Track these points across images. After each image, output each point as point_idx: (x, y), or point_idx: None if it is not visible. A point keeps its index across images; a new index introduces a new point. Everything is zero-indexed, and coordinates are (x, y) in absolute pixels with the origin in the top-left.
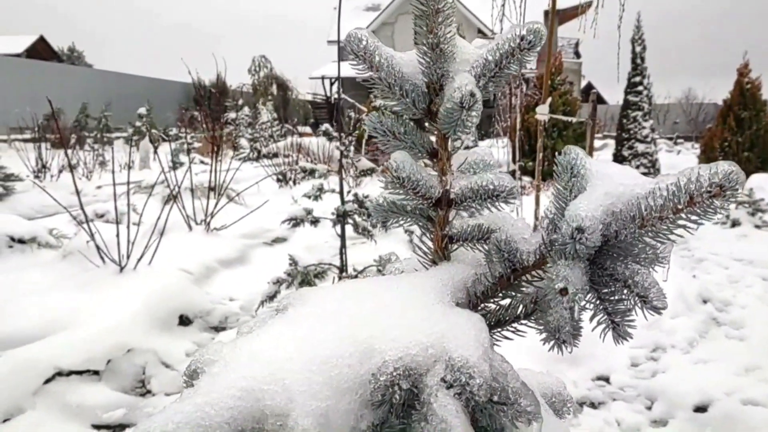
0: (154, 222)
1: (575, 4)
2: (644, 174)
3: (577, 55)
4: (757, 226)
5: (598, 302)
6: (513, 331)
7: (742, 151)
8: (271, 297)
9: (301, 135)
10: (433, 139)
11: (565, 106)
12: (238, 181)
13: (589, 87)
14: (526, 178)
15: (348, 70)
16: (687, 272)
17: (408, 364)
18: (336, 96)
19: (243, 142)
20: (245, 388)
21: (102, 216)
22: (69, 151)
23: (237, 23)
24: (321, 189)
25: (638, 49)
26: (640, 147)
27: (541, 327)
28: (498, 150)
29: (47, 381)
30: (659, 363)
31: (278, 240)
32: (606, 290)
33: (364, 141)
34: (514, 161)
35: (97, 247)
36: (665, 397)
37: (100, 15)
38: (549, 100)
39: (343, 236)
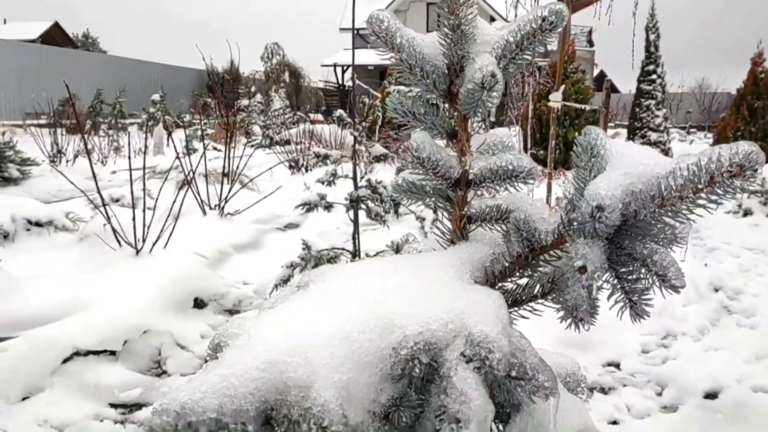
0: (169, 206)
1: None
2: None
3: (590, 43)
4: None
5: (615, 281)
6: (530, 311)
7: (755, 140)
8: (285, 280)
9: (313, 122)
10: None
11: (577, 95)
12: (250, 168)
13: (602, 75)
14: (538, 167)
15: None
16: (699, 261)
17: (428, 338)
18: (349, 83)
19: (256, 129)
20: (269, 361)
21: (117, 200)
22: (84, 137)
23: (249, 10)
24: (334, 174)
25: (652, 37)
26: (653, 136)
27: (559, 306)
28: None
29: (65, 360)
30: (670, 350)
31: (291, 226)
32: (624, 269)
33: (377, 128)
34: (525, 150)
35: (114, 231)
36: (676, 383)
37: (113, 1)
38: (562, 87)
39: (356, 221)
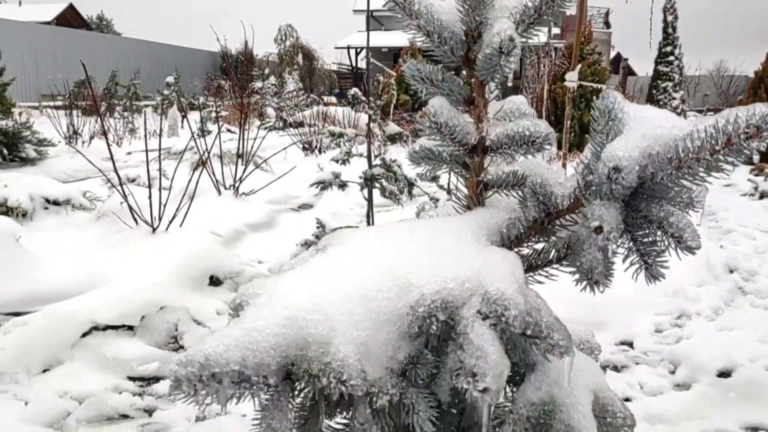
0: (185, 186)
1: None
2: None
3: (607, 25)
4: None
5: (631, 244)
6: (545, 276)
7: None
8: None
9: (326, 104)
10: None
11: (594, 76)
12: (264, 149)
13: (618, 58)
14: (554, 133)
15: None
16: (714, 243)
17: (445, 297)
18: (362, 65)
19: (269, 111)
20: (289, 317)
21: (133, 180)
22: (102, 117)
23: None
24: (349, 153)
25: (670, 18)
26: None
27: (574, 270)
28: None
29: (84, 335)
30: (684, 330)
31: (304, 206)
32: (640, 232)
33: (391, 107)
34: None
35: (130, 208)
36: (689, 362)
37: None
38: (578, 67)
39: (370, 200)
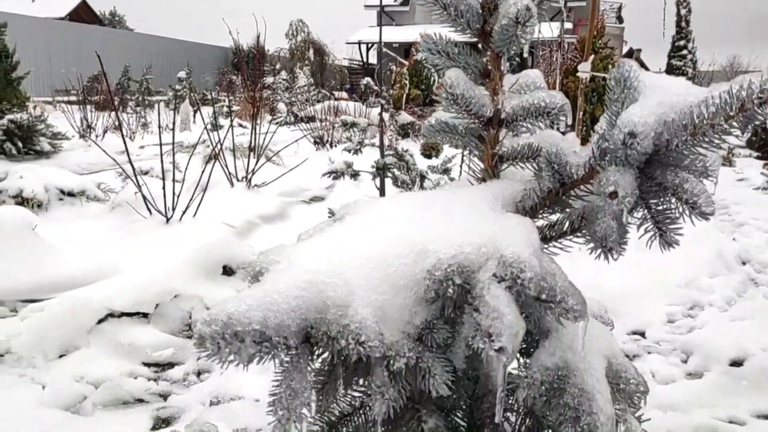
0: (198, 178)
1: None
2: None
3: (620, 20)
4: None
5: (646, 211)
6: (560, 248)
7: None
8: None
9: (337, 99)
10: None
11: (605, 71)
12: (276, 144)
13: (631, 52)
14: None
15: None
16: (727, 235)
17: (461, 261)
18: (373, 61)
19: (281, 106)
20: (309, 281)
21: (147, 173)
22: (113, 113)
23: None
24: (361, 143)
25: (683, 12)
26: None
27: (589, 239)
28: None
29: (100, 321)
30: (696, 320)
31: (316, 198)
32: (654, 200)
33: (403, 100)
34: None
35: (144, 198)
36: (701, 351)
37: None
38: (591, 57)
39: (382, 189)
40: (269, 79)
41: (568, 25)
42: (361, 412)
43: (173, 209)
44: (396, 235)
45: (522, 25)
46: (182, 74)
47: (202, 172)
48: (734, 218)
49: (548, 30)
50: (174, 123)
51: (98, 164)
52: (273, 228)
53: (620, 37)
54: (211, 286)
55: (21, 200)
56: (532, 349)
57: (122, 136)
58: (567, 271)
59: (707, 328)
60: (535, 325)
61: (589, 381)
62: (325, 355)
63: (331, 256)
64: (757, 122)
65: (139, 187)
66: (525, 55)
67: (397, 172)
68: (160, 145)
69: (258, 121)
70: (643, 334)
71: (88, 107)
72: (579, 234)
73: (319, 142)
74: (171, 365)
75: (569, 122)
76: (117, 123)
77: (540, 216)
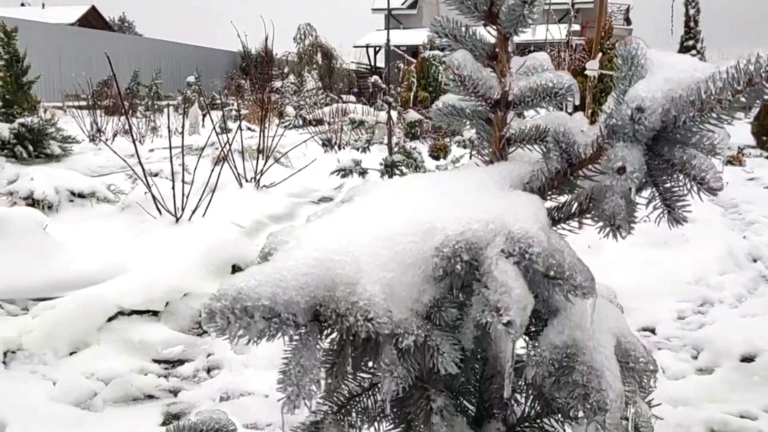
0: (207, 178)
1: None
2: None
3: (628, 21)
4: None
5: (653, 188)
6: (568, 230)
7: None
8: None
9: (345, 103)
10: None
11: (613, 72)
12: (284, 147)
13: None
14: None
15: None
16: (737, 233)
17: (469, 238)
18: (380, 65)
19: (289, 110)
20: (318, 258)
21: (156, 175)
22: (122, 117)
23: None
24: (369, 141)
25: (692, 11)
26: None
27: (597, 218)
28: None
29: (110, 319)
30: (706, 316)
31: (324, 199)
32: (662, 177)
33: (411, 98)
34: None
35: (154, 198)
36: (712, 347)
37: None
38: (599, 55)
39: None
40: (277, 83)
41: (576, 27)
42: (369, 393)
43: (183, 209)
44: (404, 214)
45: (529, 5)
46: (191, 78)
47: (211, 172)
48: (744, 217)
49: (557, 32)
50: (183, 126)
51: (108, 167)
52: (281, 228)
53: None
54: (221, 285)
55: (32, 202)
56: (540, 326)
57: (132, 139)
58: (577, 234)
59: (718, 324)
60: (543, 305)
61: (598, 359)
62: (334, 335)
63: (339, 235)
64: (765, 96)
65: (148, 186)
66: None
67: (405, 170)
68: (170, 147)
69: (266, 125)
70: (653, 331)
71: (98, 112)
72: (588, 215)
73: (328, 144)
74: (181, 362)
75: (577, 102)
76: (127, 127)
77: (548, 197)
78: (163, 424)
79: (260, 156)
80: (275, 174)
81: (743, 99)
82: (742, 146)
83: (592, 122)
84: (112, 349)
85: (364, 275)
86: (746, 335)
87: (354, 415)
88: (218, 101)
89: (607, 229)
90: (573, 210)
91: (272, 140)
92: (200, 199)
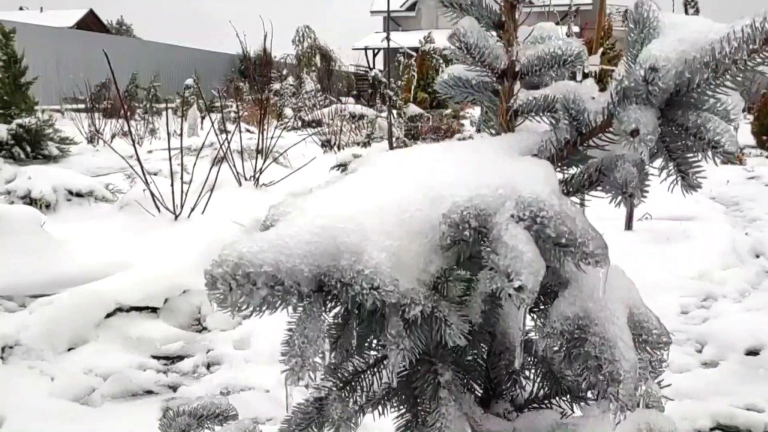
0: (206, 177)
1: None
2: None
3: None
4: None
5: (667, 155)
6: (579, 203)
7: None
8: None
9: (344, 104)
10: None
11: (613, 68)
12: (283, 148)
13: None
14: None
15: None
16: (739, 230)
17: (478, 204)
18: (379, 67)
19: (288, 111)
20: (322, 226)
21: (155, 174)
22: (121, 120)
23: None
24: (370, 135)
25: (691, 12)
26: None
27: (608, 188)
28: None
29: (109, 315)
30: (710, 311)
31: None
32: (675, 143)
33: (413, 86)
34: None
35: (153, 196)
36: (716, 341)
37: None
38: (600, 50)
39: None
40: (276, 86)
41: (576, 29)
42: (375, 369)
43: (182, 207)
44: (411, 183)
45: None
46: (190, 81)
47: (210, 170)
48: (746, 214)
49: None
50: (182, 128)
51: (106, 168)
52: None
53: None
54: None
55: (30, 201)
56: (549, 299)
57: (132, 139)
58: (586, 207)
59: (722, 318)
60: (553, 277)
61: (611, 329)
62: (338, 309)
63: (344, 204)
64: None
65: (147, 183)
66: None
67: None
68: (169, 148)
69: (265, 125)
70: None
71: (96, 115)
72: (599, 188)
73: (327, 145)
74: (180, 358)
75: (586, 70)
76: (125, 128)
77: (557, 169)
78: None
79: (259, 156)
80: (274, 173)
81: (759, 59)
82: (743, 146)
83: None
84: (110, 345)
85: (370, 243)
86: (751, 329)
87: (359, 391)
88: (217, 104)
89: (619, 197)
90: (582, 182)
91: (270, 141)
92: (199, 197)
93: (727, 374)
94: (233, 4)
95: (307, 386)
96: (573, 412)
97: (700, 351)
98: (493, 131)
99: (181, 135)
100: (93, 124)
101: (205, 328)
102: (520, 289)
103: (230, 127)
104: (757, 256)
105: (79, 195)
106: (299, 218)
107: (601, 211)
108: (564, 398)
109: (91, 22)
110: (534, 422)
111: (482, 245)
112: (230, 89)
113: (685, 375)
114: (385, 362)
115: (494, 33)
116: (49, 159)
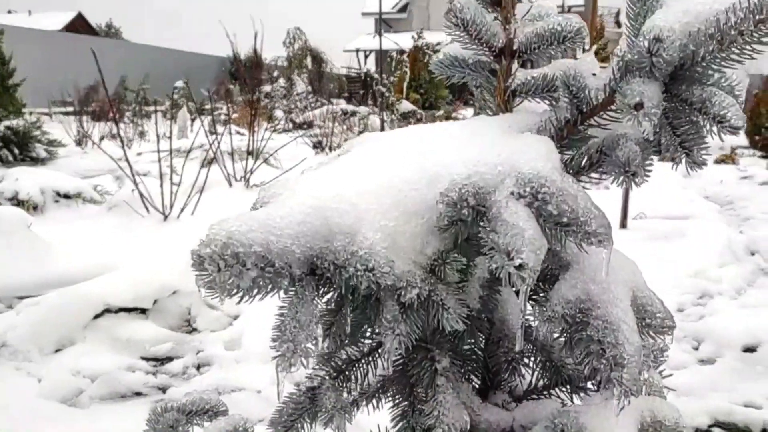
0: (195, 178)
1: None
2: None
3: (618, 24)
4: None
5: (671, 132)
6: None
7: None
8: None
9: (336, 105)
10: None
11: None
12: (273, 150)
13: None
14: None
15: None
16: (734, 228)
17: (476, 182)
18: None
19: (278, 113)
20: (314, 206)
21: (144, 175)
22: (110, 123)
23: None
24: (362, 132)
25: None
26: None
27: (610, 168)
28: None
29: (97, 316)
30: (706, 308)
31: None
32: (679, 119)
33: (405, 85)
34: None
35: (141, 196)
36: (713, 338)
37: None
38: (594, 47)
39: None
40: (267, 88)
41: None
42: (369, 358)
43: (171, 207)
44: (407, 162)
45: None
46: (179, 84)
47: (199, 171)
48: (740, 213)
49: None
50: (171, 130)
51: (94, 170)
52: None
53: (618, 42)
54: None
55: (17, 202)
56: (552, 280)
57: (121, 140)
58: (586, 189)
59: (718, 316)
60: (554, 260)
61: (614, 312)
62: (331, 294)
63: (338, 183)
64: None
65: (135, 183)
66: None
67: None
68: (158, 150)
69: (256, 127)
70: None
71: (84, 117)
72: (598, 169)
73: (318, 146)
74: (170, 359)
75: (587, 48)
76: (114, 131)
77: (557, 149)
78: None
79: (249, 157)
80: (265, 174)
81: (766, 29)
82: (735, 146)
83: None
84: (98, 346)
85: (364, 224)
86: (747, 326)
87: (353, 381)
88: (207, 106)
89: (621, 177)
90: (583, 164)
91: (260, 143)
92: (189, 196)
93: (724, 371)
94: (224, 7)
95: (298, 385)
96: (573, 402)
97: (696, 348)
98: (491, 112)
99: (170, 137)
100: (81, 126)
101: (195, 329)
102: (520, 267)
103: (221, 129)
104: (752, 254)
105: (67, 196)
106: (290, 199)
107: None
108: (564, 388)
109: (79, 26)
110: (534, 412)
111: (481, 225)
112: (221, 91)
113: (683, 372)
114: (380, 351)
115: (491, 10)
116: (36, 161)
